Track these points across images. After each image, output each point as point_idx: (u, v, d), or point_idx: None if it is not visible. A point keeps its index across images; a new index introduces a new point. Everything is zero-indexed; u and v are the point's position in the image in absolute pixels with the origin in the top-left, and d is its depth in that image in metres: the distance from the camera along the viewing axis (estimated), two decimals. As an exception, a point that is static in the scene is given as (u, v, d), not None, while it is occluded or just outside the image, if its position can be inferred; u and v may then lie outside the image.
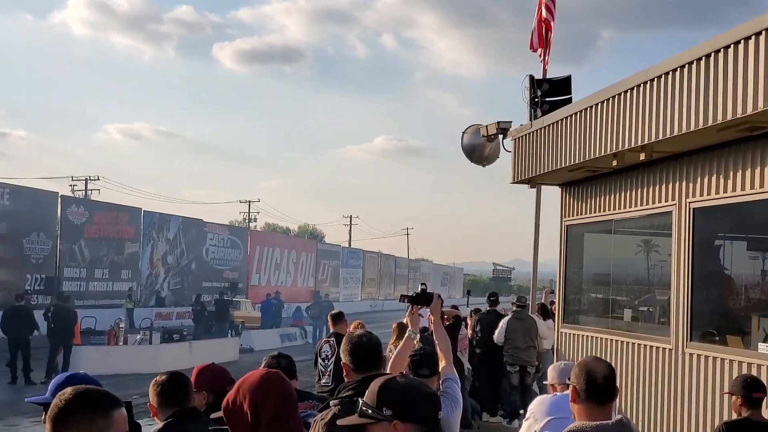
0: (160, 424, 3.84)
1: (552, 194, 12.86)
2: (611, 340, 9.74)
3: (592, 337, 10.25)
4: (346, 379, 3.98)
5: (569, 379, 3.53)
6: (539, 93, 13.16)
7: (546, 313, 14.21)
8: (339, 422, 2.90)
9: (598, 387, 3.39)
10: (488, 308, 14.10)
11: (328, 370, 8.39)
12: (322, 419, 3.80)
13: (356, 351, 3.94)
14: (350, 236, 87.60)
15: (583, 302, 11.40)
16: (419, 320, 5.34)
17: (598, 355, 9.90)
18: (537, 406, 5.09)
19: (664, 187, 8.75)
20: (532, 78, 13.24)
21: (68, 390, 2.34)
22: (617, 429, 3.22)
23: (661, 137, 7.66)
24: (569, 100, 12.70)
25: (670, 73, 7.54)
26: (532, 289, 15.04)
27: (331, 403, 3.84)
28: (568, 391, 4.99)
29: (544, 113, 12.14)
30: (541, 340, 13.31)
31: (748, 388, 5.70)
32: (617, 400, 8.93)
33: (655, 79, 7.79)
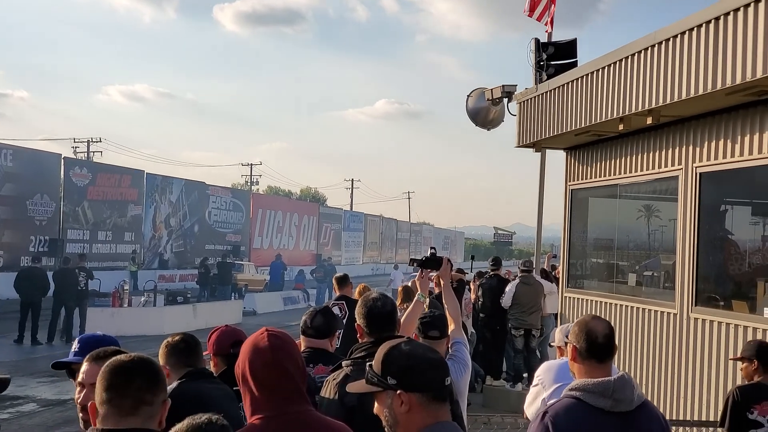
0: (173, 384, 3.87)
1: (555, 158, 12.87)
2: (615, 304, 9.78)
3: (596, 301, 10.29)
4: (359, 341, 4.02)
5: (567, 338, 3.55)
6: (544, 56, 13.11)
7: (547, 277, 14.26)
8: (348, 388, 2.89)
9: (598, 345, 3.40)
10: (491, 273, 14.14)
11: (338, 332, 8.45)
12: (334, 379, 3.84)
13: (371, 314, 3.97)
14: (352, 200, 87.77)
15: (587, 267, 11.43)
16: (428, 284, 5.39)
17: (602, 319, 9.97)
18: (544, 372, 5.11)
19: (670, 151, 8.73)
20: (537, 41, 13.17)
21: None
22: (619, 385, 3.24)
23: (668, 101, 7.63)
24: (575, 64, 12.65)
25: (678, 36, 7.48)
26: (537, 253, 15.07)
27: (344, 363, 3.88)
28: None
29: (549, 77, 12.09)
30: (544, 304, 13.37)
31: (764, 354, 5.71)
32: (622, 364, 9.01)
33: (663, 42, 7.74)
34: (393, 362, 2.62)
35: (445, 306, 5.15)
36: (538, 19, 14.55)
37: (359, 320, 4.03)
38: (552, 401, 3.45)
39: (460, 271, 13.30)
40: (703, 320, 7.96)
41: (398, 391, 2.56)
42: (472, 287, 14.10)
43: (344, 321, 8.65)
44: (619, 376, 3.28)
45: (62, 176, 36.33)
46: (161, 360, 4.02)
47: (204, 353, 4.23)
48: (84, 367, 3.25)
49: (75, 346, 3.79)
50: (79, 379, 3.29)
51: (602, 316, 9.73)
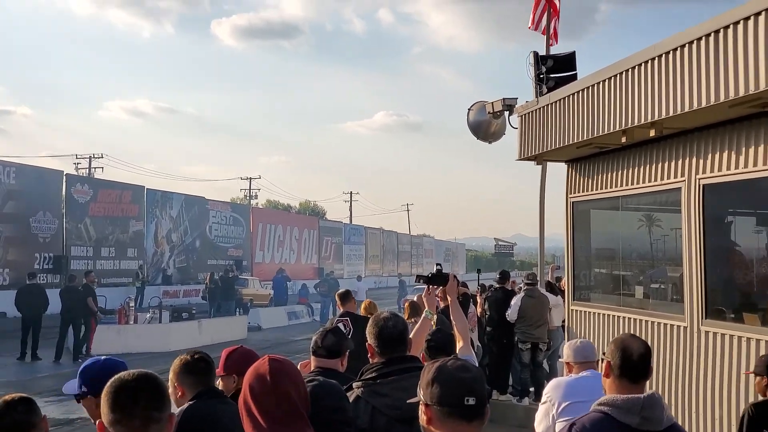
0: (185, 404, 3.87)
1: (555, 169, 12.88)
2: (623, 317, 9.76)
3: (603, 314, 10.28)
4: (370, 361, 4.02)
5: (604, 353, 3.56)
6: (544, 69, 13.15)
7: (552, 290, 14.27)
8: (408, 401, 2.94)
9: (632, 364, 3.40)
10: (497, 285, 14.14)
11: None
12: (345, 401, 3.84)
13: (382, 334, 3.97)
14: (351, 213, 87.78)
15: (592, 279, 11.42)
16: (435, 300, 5.41)
17: (610, 333, 9.97)
18: (553, 389, 5.11)
19: (673, 163, 8.74)
20: (536, 54, 13.21)
21: None
22: (648, 403, 3.23)
23: (671, 114, 7.64)
24: (574, 77, 12.69)
25: (679, 49, 7.51)
26: (540, 265, 15.08)
27: (354, 385, 3.89)
28: (585, 373, 5.05)
29: (549, 90, 12.13)
30: (551, 316, 13.37)
31: None
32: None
33: (664, 55, 7.76)
34: (424, 375, 2.71)
35: (453, 323, 5.16)
36: (543, 33, 14.65)
37: (370, 340, 4.04)
38: (580, 415, 3.44)
39: (463, 284, 13.31)
40: (714, 333, 7.93)
41: (424, 403, 2.66)
42: (478, 300, 14.10)
43: (349, 337, 8.64)
44: (649, 395, 3.28)
45: (64, 193, 36.35)
46: (175, 377, 4.02)
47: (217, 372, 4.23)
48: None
49: (79, 376, 3.79)
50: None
51: (610, 330, 9.79)
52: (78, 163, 55.98)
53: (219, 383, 4.33)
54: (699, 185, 8.24)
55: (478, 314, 13.81)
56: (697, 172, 8.29)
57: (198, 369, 3.99)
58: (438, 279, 5.27)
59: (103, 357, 3.95)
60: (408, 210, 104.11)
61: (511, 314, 13.00)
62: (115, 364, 3.71)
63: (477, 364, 4.97)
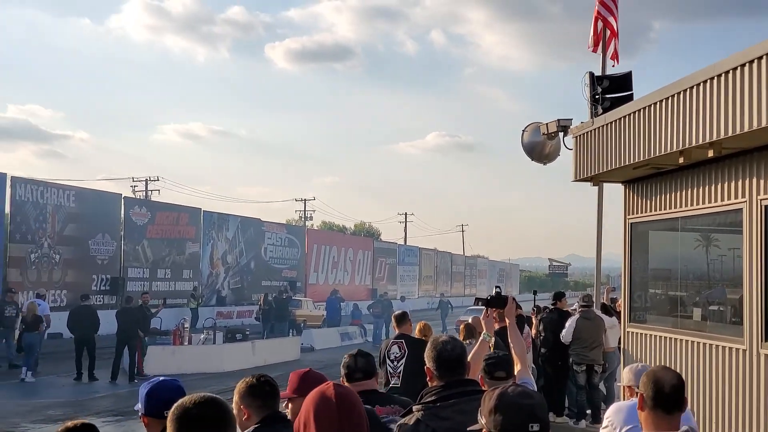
0: (251, 428, 3.88)
1: (611, 189, 12.77)
2: (680, 340, 9.62)
3: (659, 336, 10.14)
4: (429, 384, 4.01)
5: (637, 387, 3.55)
6: (599, 90, 13.06)
7: (607, 312, 14.10)
8: (469, 429, 2.93)
9: (665, 396, 3.40)
10: (552, 306, 14.03)
11: (398, 371, 8.42)
12: (405, 423, 3.84)
13: (440, 357, 3.96)
14: (405, 233, 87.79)
15: (649, 301, 11.28)
16: (493, 323, 5.39)
17: (667, 356, 9.82)
18: (614, 413, 5.06)
19: (733, 183, 8.62)
20: (592, 75, 13.13)
21: None
22: None
23: (730, 134, 7.55)
24: (630, 97, 12.58)
25: (738, 68, 7.42)
26: (596, 286, 14.93)
27: (414, 408, 3.88)
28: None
29: (605, 110, 12.04)
30: (606, 338, 13.22)
31: None
32: (688, 402, 8.83)
33: (723, 74, 7.68)
34: (485, 403, 2.70)
35: (511, 345, 5.14)
36: (604, 54, 14.60)
37: (429, 363, 4.03)
38: None
39: (517, 306, 13.20)
40: (774, 356, 7.79)
41: (487, 431, 2.65)
42: (533, 321, 14.00)
43: (404, 359, 8.61)
44: (684, 431, 3.27)
45: (122, 215, 36.98)
46: (240, 400, 4.03)
47: (282, 395, 4.23)
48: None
49: (141, 397, 3.87)
50: None
51: (666, 353, 9.65)
52: (135, 186, 56.98)
53: (286, 405, 4.34)
54: (761, 206, 8.10)
55: (533, 336, 13.71)
56: (758, 193, 8.16)
57: (263, 392, 3.98)
58: (497, 302, 5.26)
59: (161, 378, 4.01)
60: (462, 231, 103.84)
61: (566, 336, 12.88)
62: (170, 386, 3.76)
63: (535, 388, 4.94)
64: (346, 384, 4.73)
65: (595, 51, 14.74)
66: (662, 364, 9.87)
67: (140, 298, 21.96)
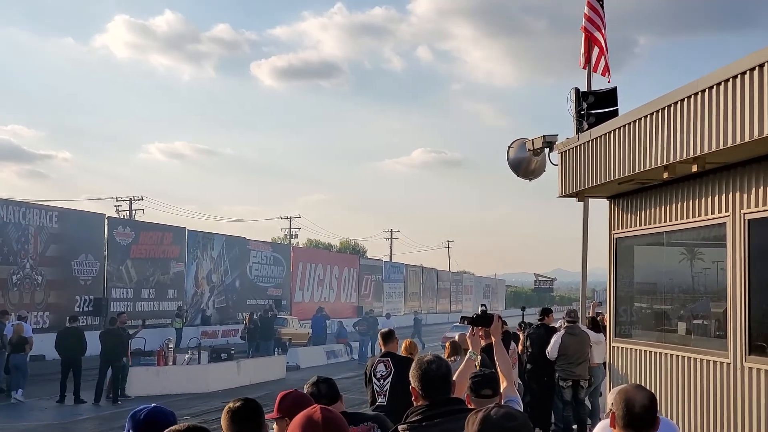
0: None
1: (596, 204, 12.80)
2: (665, 354, 9.63)
3: (644, 351, 10.14)
4: (414, 403, 3.98)
5: (612, 404, 3.56)
6: (585, 105, 13.12)
7: (596, 326, 14.09)
8: None
9: (635, 416, 3.42)
10: (538, 322, 14.01)
11: (384, 390, 8.35)
12: (391, 445, 3.80)
13: (426, 377, 3.93)
14: (391, 250, 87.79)
15: (634, 315, 11.29)
16: (479, 342, 5.35)
17: (652, 370, 9.82)
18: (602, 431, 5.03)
19: (717, 198, 8.66)
20: (577, 91, 13.20)
21: None
22: None
23: (714, 149, 7.58)
24: (616, 112, 12.66)
25: (722, 84, 7.46)
26: (582, 301, 14.93)
27: (400, 427, 3.84)
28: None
29: (590, 126, 12.09)
30: (592, 353, 13.20)
31: None
32: (673, 416, 8.80)
33: (706, 90, 7.72)
34: (468, 427, 2.69)
35: (497, 363, 5.10)
36: (594, 71, 14.67)
37: (414, 383, 4.00)
38: None
39: (503, 322, 13.16)
40: (758, 370, 7.79)
41: None
42: (520, 337, 13.97)
43: (390, 377, 8.54)
44: None
45: (106, 235, 36.77)
46: (224, 428, 3.96)
47: (268, 416, 4.16)
48: None
49: (128, 421, 3.79)
50: None
51: (651, 367, 9.64)
52: (119, 206, 56.80)
53: (274, 427, 4.28)
54: (744, 220, 8.13)
55: (519, 351, 13.67)
56: (741, 207, 8.19)
57: (238, 416, 3.89)
58: (483, 320, 5.22)
59: (152, 405, 3.93)
60: (449, 246, 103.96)
61: (552, 351, 12.87)
62: (162, 414, 3.68)
63: (521, 406, 4.89)
64: None
65: (584, 68, 14.82)
66: (647, 378, 9.88)
67: (117, 318, 21.68)
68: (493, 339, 5.19)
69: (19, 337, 20.40)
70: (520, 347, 13.73)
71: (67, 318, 22.81)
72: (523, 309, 9.87)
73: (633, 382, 9.64)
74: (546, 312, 14.41)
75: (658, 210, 9.96)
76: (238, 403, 3.88)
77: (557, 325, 14.55)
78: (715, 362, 8.54)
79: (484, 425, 2.61)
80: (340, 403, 4.78)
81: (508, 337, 12.62)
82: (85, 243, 34.74)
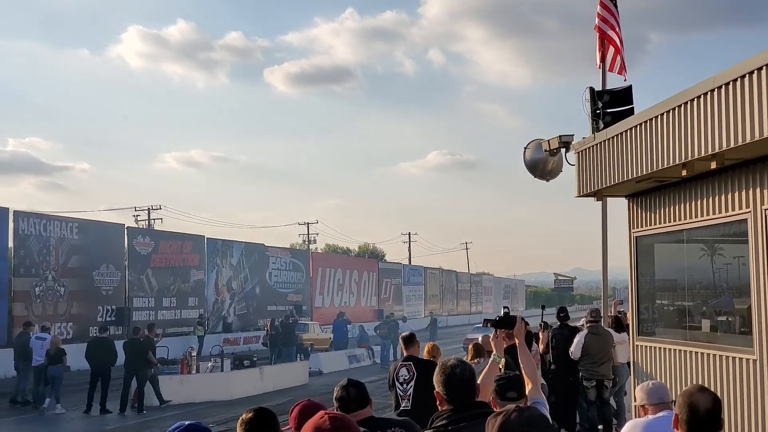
0: None
1: (615, 202, 12.76)
2: (689, 351, 9.58)
3: (668, 349, 10.09)
4: (439, 408, 3.99)
5: (674, 404, 3.55)
6: (600, 105, 13.06)
7: (620, 325, 14.03)
8: None
9: (699, 420, 3.42)
10: (560, 323, 13.97)
11: (408, 394, 8.37)
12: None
13: (450, 382, 3.94)
14: (410, 253, 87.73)
15: (657, 314, 11.23)
16: (503, 344, 5.36)
17: (676, 368, 9.77)
18: (630, 430, 5.02)
19: (737, 194, 8.61)
20: (592, 90, 13.13)
21: None
22: None
23: (732, 145, 7.54)
24: (631, 111, 12.58)
25: (738, 79, 7.42)
26: (603, 301, 14.88)
27: (425, 432, 3.86)
28: (662, 414, 4.96)
29: (606, 125, 12.04)
30: (615, 353, 13.15)
31: None
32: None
33: (723, 86, 7.68)
34: (488, 430, 2.69)
35: (521, 365, 5.11)
36: (610, 70, 14.64)
37: (438, 388, 4.01)
38: None
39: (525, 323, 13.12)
40: (785, 366, 7.74)
41: None
42: (541, 337, 13.93)
43: (413, 381, 8.55)
44: None
45: (126, 245, 36.98)
46: None
47: (285, 428, 4.18)
48: None
49: None
50: None
51: (676, 365, 9.59)
52: (137, 215, 56.98)
53: None
54: (765, 216, 8.08)
55: (541, 351, 13.63)
56: (762, 203, 8.14)
57: (251, 427, 3.89)
58: (505, 322, 5.23)
59: (187, 422, 3.93)
60: (467, 248, 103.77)
61: (575, 351, 12.83)
62: (196, 428, 3.69)
63: (547, 407, 4.89)
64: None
65: (599, 67, 14.79)
66: (672, 376, 9.83)
67: (147, 329, 21.91)
68: (517, 341, 5.20)
69: (57, 348, 20.68)
70: (541, 347, 13.70)
71: (97, 328, 23.09)
72: (543, 308, 9.82)
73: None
74: (565, 311, 14.37)
75: (677, 207, 9.92)
76: (250, 414, 3.88)
77: (579, 324, 14.50)
78: (740, 359, 8.48)
79: (503, 430, 2.62)
80: (370, 407, 4.78)
81: (530, 338, 12.60)
82: (105, 253, 34.99)
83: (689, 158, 8.34)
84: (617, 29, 14.63)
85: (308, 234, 73.03)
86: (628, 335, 12.02)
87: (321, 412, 3.11)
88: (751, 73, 7.21)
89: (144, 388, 20.15)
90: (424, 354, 9.56)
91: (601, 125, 12.25)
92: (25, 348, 21.50)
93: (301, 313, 46.77)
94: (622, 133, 9.90)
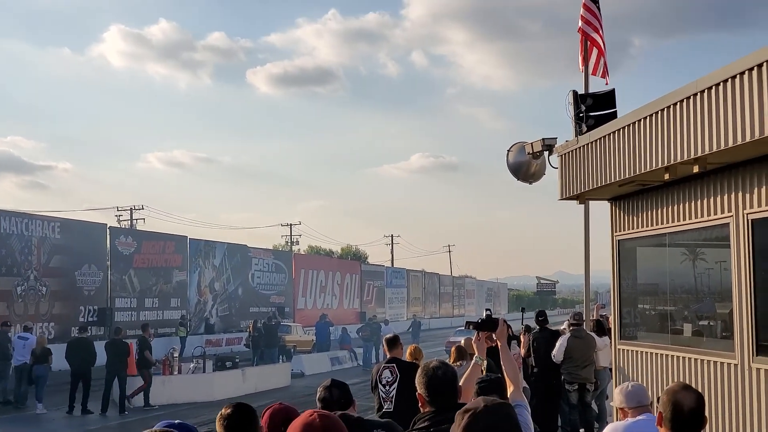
0: None
1: (597, 206, 12.80)
2: (670, 356, 9.61)
3: (650, 353, 10.13)
4: (421, 409, 3.99)
5: (658, 401, 3.56)
6: (583, 108, 13.10)
7: (601, 329, 14.08)
8: None
9: (683, 419, 3.44)
10: (539, 327, 14.00)
11: (390, 396, 8.37)
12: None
13: (432, 384, 3.94)
14: (392, 255, 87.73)
15: (639, 318, 11.27)
16: (485, 346, 5.36)
17: (658, 372, 9.80)
18: None
19: (719, 198, 8.64)
20: (575, 93, 13.17)
21: None
22: None
23: (715, 149, 7.57)
24: (614, 114, 12.62)
25: (722, 84, 7.45)
26: (585, 305, 14.93)
27: (408, 435, 3.85)
28: (642, 417, 4.97)
29: (589, 128, 12.08)
30: (597, 357, 13.19)
31: None
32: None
33: (705, 90, 7.71)
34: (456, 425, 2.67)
35: (503, 368, 5.11)
36: (593, 73, 14.70)
37: (420, 389, 4.00)
38: None
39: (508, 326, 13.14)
40: (766, 371, 7.77)
41: None
42: (522, 340, 13.96)
43: (396, 384, 8.55)
44: None
45: (108, 246, 36.79)
46: None
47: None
48: None
49: None
50: None
51: (657, 369, 9.62)
52: (119, 215, 56.72)
53: None
54: (747, 220, 8.12)
55: (523, 355, 13.66)
56: (744, 207, 8.19)
57: (231, 423, 3.87)
58: (487, 325, 5.23)
59: (176, 422, 3.91)
60: (449, 251, 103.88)
61: (557, 355, 12.85)
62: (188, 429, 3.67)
63: (529, 410, 4.89)
64: None
65: (583, 71, 14.84)
66: (654, 380, 9.86)
67: (141, 329, 21.93)
68: (499, 343, 5.19)
69: (42, 348, 20.63)
70: (522, 350, 13.72)
71: (77, 329, 22.92)
72: (523, 310, 9.81)
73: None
74: (544, 314, 14.40)
75: (659, 211, 9.95)
76: (229, 409, 3.86)
77: (561, 328, 14.53)
78: (722, 363, 8.52)
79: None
80: (353, 408, 4.77)
81: (510, 341, 12.61)
82: (87, 253, 34.77)
83: (672, 162, 8.37)
84: (600, 32, 14.70)
85: (291, 235, 72.99)
86: (610, 339, 12.07)
87: (310, 411, 3.09)
88: (733, 77, 7.24)
89: (125, 388, 20.06)
90: (406, 356, 9.56)
91: (584, 128, 12.28)
92: (3, 347, 21.34)
93: (284, 314, 46.69)
94: (605, 137, 9.93)
